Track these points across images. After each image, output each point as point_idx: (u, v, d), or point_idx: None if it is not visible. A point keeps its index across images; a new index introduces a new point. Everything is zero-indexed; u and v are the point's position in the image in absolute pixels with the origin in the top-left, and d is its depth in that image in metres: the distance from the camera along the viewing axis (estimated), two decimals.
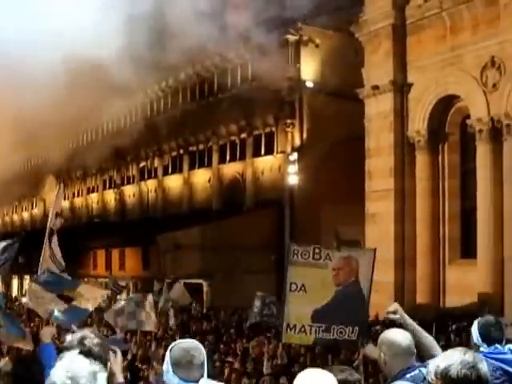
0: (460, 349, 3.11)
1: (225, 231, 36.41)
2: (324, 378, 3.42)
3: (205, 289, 36.88)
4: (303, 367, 14.17)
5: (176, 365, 3.77)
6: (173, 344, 3.92)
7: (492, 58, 24.31)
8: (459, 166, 27.28)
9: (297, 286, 12.21)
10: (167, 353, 3.85)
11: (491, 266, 24.55)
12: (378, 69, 27.96)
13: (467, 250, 26.84)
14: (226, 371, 15.12)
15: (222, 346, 18.89)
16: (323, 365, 15.26)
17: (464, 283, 25.42)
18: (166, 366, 3.83)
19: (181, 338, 19.80)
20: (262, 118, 40.64)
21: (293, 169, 37.93)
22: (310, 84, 38.69)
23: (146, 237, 39.34)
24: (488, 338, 5.24)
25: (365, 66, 28.95)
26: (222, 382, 4.28)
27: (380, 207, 27.97)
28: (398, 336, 4.45)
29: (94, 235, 46.30)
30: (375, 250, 12.91)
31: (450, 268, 27.00)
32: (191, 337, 20.51)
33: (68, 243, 45.05)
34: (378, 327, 22.36)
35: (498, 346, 5.19)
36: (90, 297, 14.16)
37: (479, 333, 5.30)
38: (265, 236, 36.64)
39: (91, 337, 3.67)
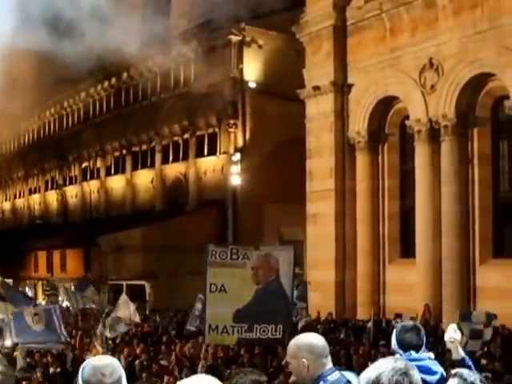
0: (391, 357, 3.08)
1: (167, 232, 36.26)
2: None
3: (147, 290, 36.63)
4: (241, 367, 14.17)
5: None
6: (85, 362, 3.74)
7: (430, 60, 24.55)
8: (399, 167, 27.47)
9: (216, 287, 12.20)
10: (79, 371, 3.69)
11: (430, 266, 24.80)
12: (318, 69, 28.02)
13: (407, 249, 27.06)
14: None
15: (162, 348, 18.73)
16: (262, 365, 15.26)
17: (403, 282, 25.67)
18: None
19: (121, 341, 19.76)
20: (204, 119, 40.54)
21: (235, 169, 37.97)
22: (252, 85, 38.73)
23: (88, 238, 38.96)
24: (404, 343, 5.17)
25: (306, 66, 28.98)
26: None
27: (321, 207, 28.05)
28: (313, 338, 4.39)
29: (36, 236, 45.75)
30: (294, 246, 12.98)
31: (389, 267, 27.21)
32: (131, 339, 20.42)
33: (9, 244, 44.68)
34: (318, 326, 22.50)
35: (412, 352, 5.12)
36: None
37: (396, 339, 5.23)
38: (208, 236, 36.33)
39: None
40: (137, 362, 16.48)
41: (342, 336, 21.33)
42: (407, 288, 25.03)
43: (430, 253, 24.84)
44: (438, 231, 24.66)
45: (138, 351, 17.88)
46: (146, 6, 48.91)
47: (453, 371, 4.37)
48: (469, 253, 24.28)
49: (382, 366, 2.97)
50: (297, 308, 24.20)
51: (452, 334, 5.55)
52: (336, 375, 4.21)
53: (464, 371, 4.27)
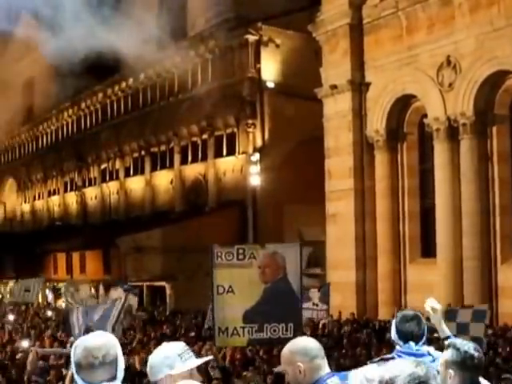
0: (412, 359, 2.87)
1: (187, 233, 36.19)
2: None
3: (168, 291, 36.59)
4: (258, 369, 14.04)
5: (78, 366, 3.37)
6: (77, 342, 3.47)
7: (447, 58, 24.38)
8: (418, 165, 27.33)
9: (224, 289, 12.12)
10: (72, 351, 3.44)
11: (451, 265, 24.62)
12: (335, 68, 27.90)
13: (427, 248, 26.91)
14: None
15: None
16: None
17: (424, 282, 25.47)
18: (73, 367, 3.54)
19: (138, 342, 19.71)
20: (223, 119, 40.45)
21: (255, 169, 37.83)
22: (270, 84, 38.58)
23: (107, 239, 38.96)
24: (404, 333, 4.96)
25: (323, 65, 28.86)
26: None
27: (340, 207, 27.91)
28: (306, 341, 4.28)
29: (55, 238, 45.82)
30: (300, 244, 12.89)
31: (410, 267, 27.05)
32: (148, 341, 20.36)
33: (29, 246, 44.77)
34: (346, 328, 22.30)
35: (411, 343, 4.94)
36: None
37: (396, 328, 5.06)
38: (227, 237, 36.34)
39: None
40: None
41: (363, 337, 21.18)
42: (428, 287, 24.78)
43: (450, 252, 24.67)
44: (458, 230, 24.49)
45: None
46: (162, 7, 48.95)
47: (446, 342, 4.25)
48: (490, 252, 24.10)
49: (400, 369, 2.68)
50: (318, 310, 24.02)
51: (432, 303, 5.40)
52: (336, 380, 4.09)
53: (457, 340, 4.13)
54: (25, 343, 17.30)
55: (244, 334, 12.15)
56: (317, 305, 23.30)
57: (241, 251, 12.34)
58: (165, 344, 3.99)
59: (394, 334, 5.07)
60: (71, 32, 49.45)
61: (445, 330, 5.37)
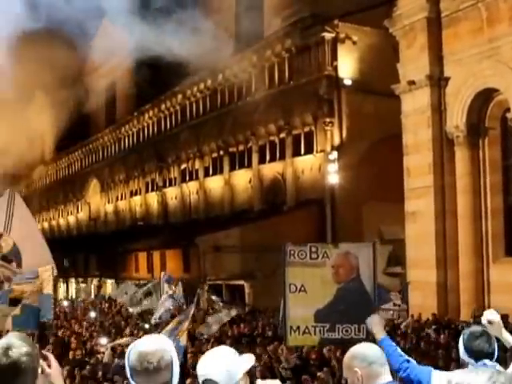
0: (492, 369, 2.61)
1: (265, 232, 36.11)
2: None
3: (246, 290, 36.67)
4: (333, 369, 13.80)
5: (133, 371, 3.34)
6: (131, 346, 3.45)
7: None
8: (501, 161, 26.55)
9: (296, 287, 12.00)
10: (126, 355, 3.43)
11: None
12: (413, 63, 27.34)
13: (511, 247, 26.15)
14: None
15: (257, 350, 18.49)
16: None
17: (509, 282, 24.69)
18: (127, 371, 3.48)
19: (214, 340, 19.68)
20: (300, 118, 40.31)
21: (333, 167, 37.59)
22: (348, 82, 38.22)
23: (187, 239, 39.34)
24: (475, 352, 4.70)
25: (400, 61, 28.34)
26: None
27: (420, 205, 27.35)
28: (366, 346, 4.13)
29: (137, 238, 46.54)
30: (374, 243, 12.61)
31: (493, 266, 26.26)
32: (225, 340, 20.32)
33: (112, 246, 45.65)
34: (428, 331, 21.80)
35: (486, 361, 4.61)
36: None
37: (465, 347, 4.79)
38: (306, 236, 36.08)
39: (17, 345, 3.08)
40: None
41: (443, 338, 20.69)
42: None
43: None
44: None
45: None
46: (238, 8, 49.14)
47: None
48: None
49: (480, 378, 2.43)
50: (398, 310, 23.65)
51: (489, 316, 5.11)
52: None
53: None
54: (103, 340, 17.49)
55: (315, 333, 12.04)
56: (399, 305, 22.99)
57: (314, 249, 12.22)
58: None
59: (462, 353, 4.81)
60: (150, 35, 50.13)
61: (509, 339, 5.10)
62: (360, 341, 12.38)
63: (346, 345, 13.81)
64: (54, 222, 77.05)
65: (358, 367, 3.93)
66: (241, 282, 36.47)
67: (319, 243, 13.38)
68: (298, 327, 12.04)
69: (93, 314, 26.00)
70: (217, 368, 3.66)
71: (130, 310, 25.78)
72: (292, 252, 12.21)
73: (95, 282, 48.71)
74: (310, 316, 11.99)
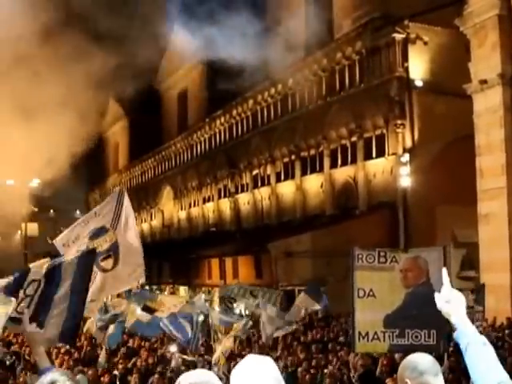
0: None
1: (337, 236, 35.75)
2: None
3: None
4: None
5: None
6: (181, 377, 3.41)
7: None
8: None
9: (365, 292, 11.72)
10: None
11: None
12: (484, 62, 26.73)
13: None
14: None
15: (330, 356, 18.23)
16: None
17: None
18: None
19: (283, 347, 19.48)
20: (371, 120, 39.88)
21: (405, 170, 37.05)
22: (419, 83, 37.61)
23: (259, 245, 39.31)
24: None
25: (472, 60, 27.76)
26: None
27: (493, 207, 26.69)
28: (418, 356, 3.89)
29: (209, 244, 46.74)
30: (444, 247, 12.25)
31: None
32: (297, 346, 20.10)
33: (185, 253, 45.94)
34: (500, 334, 21.23)
35: None
36: (170, 305, 14.05)
37: None
38: (378, 240, 35.62)
39: (61, 380, 3.22)
40: (299, 369, 16.17)
41: None
42: None
43: None
44: None
45: (301, 357, 17.57)
46: (308, 11, 49.00)
47: None
48: None
49: None
50: (473, 312, 23.09)
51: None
52: None
53: None
54: (173, 348, 17.47)
55: (385, 340, 11.74)
56: (472, 307, 22.47)
57: (382, 254, 11.98)
58: None
59: None
60: (220, 40, 50.46)
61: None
62: (430, 347, 11.95)
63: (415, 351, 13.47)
64: None
65: (409, 378, 3.73)
66: None
67: (388, 248, 13.06)
68: (367, 333, 11.77)
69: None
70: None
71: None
72: (360, 256, 12.00)
73: (168, 289, 49.10)
74: (379, 321, 11.70)
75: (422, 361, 3.82)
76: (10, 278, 7.05)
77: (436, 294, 3.90)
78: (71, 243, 10.67)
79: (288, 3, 50.71)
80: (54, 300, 7.44)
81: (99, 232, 10.53)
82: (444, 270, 3.90)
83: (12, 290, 7.14)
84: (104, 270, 10.37)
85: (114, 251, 10.58)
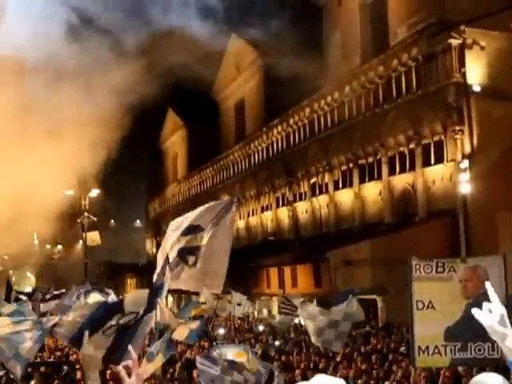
0: None
1: (396, 244, 35.45)
2: None
3: (379, 304, 36.12)
4: None
5: None
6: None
7: None
8: None
9: (424, 304, 11.40)
10: None
11: None
12: None
13: None
14: None
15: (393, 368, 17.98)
16: None
17: None
18: None
19: (342, 358, 19.37)
20: (429, 127, 39.49)
21: (464, 177, 36.56)
22: (477, 88, 37.11)
23: (317, 253, 39.19)
24: None
25: None
26: None
27: None
28: (487, 376, 3.79)
29: (268, 253, 46.77)
30: (504, 255, 11.90)
31: None
32: (357, 356, 19.95)
33: (244, 262, 46.23)
34: None
35: None
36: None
37: None
38: (438, 247, 35.31)
39: None
40: (359, 382, 16.04)
41: None
42: None
43: None
44: None
45: (363, 368, 17.39)
46: (363, 18, 48.90)
47: None
48: None
49: None
50: None
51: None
52: None
53: None
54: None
55: (446, 353, 11.37)
56: None
57: (440, 264, 11.72)
58: None
59: None
60: (276, 49, 50.66)
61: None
62: (494, 360, 11.56)
63: (479, 365, 13.09)
64: None
65: None
66: (373, 297, 35.92)
67: (446, 259, 12.77)
68: (427, 347, 11.43)
69: (221, 331, 26.10)
70: None
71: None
72: (417, 266, 11.73)
73: (229, 297, 49.20)
74: (440, 334, 11.36)
75: (489, 380, 3.73)
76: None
77: (477, 312, 3.85)
78: (172, 231, 10.81)
79: (343, 11, 50.61)
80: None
81: (193, 230, 10.63)
82: (488, 284, 3.77)
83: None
84: (187, 264, 10.50)
85: (197, 252, 10.71)
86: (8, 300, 15.45)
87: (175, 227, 11.38)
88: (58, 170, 30.67)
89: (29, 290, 26.65)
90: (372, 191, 45.14)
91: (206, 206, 11.25)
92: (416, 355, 11.73)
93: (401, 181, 42.47)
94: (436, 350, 11.44)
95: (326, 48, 52.74)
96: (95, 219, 49.00)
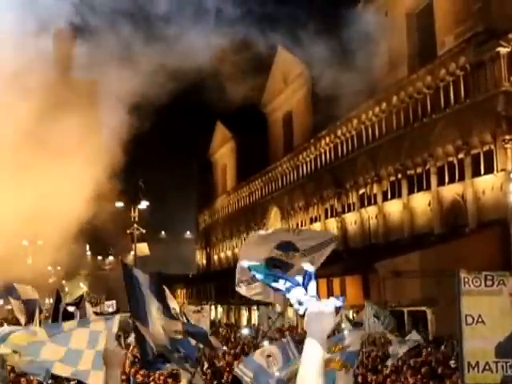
0: None
1: (446, 255, 35.07)
2: None
3: (429, 316, 35.77)
4: None
5: None
6: None
7: None
8: None
9: (473, 319, 11.11)
10: None
11: None
12: None
13: None
14: None
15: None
16: None
17: None
18: None
19: (391, 372, 19.25)
20: (478, 137, 39.10)
21: None
22: None
23: (366, 264, 39.00)
24: None
25: None
26: None
27: None
28: None
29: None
30: None
31: None
32: (407, 369, 19.81)
33: None
34: None
35: None
36: None
37: None
38: (489, 258, 34.83)
39: None
40: None
41: None
42: None
43: None
44: None
45: (411, 382, 17.24)
46: (410, 28, 48.73)
47: None
48: None
49: None
50: None
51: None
52: None
53: None
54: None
55: (497, 370, 11.09)
56: None
57: (489, 277, 11.51)
58: None
59: None
60: (322, 60, 50.65)
61: None
62: None
63: None
64: (236, 250, 79.01)
65: None
66: (422, 308, 35.62)
67: (495, 272, 12.51)
68: (477, 363, 11.15)
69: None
70: None
71: None
72: (466, 280, 11.46)
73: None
74: (491, 350, 11.04)
75: None
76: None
77: None
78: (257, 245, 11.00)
79: (390, 22, 50.47)
80: None
81: (287, 247, 10.74)
82: None
83: None
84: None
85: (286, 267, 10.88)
86: (56, 311, 15.65)
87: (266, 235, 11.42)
88: (108, 183, 31.17)
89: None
90: (421, 202, 44.83)
91: (308, 232, 11.29)
92: (465, 372, 11.43)
93: (450, 191, 42.11)
94: (487, 367, 11.13)
95: (373, 58, 52.62)
96: (143, 231, 49.54)
